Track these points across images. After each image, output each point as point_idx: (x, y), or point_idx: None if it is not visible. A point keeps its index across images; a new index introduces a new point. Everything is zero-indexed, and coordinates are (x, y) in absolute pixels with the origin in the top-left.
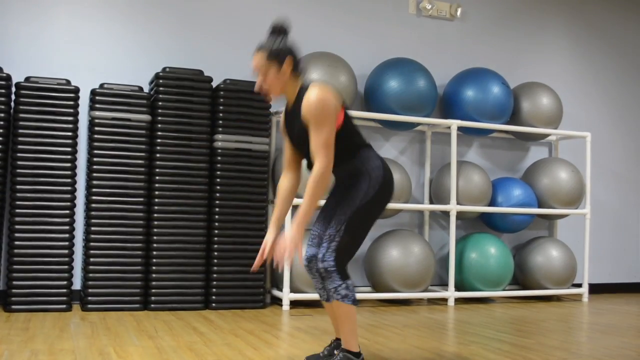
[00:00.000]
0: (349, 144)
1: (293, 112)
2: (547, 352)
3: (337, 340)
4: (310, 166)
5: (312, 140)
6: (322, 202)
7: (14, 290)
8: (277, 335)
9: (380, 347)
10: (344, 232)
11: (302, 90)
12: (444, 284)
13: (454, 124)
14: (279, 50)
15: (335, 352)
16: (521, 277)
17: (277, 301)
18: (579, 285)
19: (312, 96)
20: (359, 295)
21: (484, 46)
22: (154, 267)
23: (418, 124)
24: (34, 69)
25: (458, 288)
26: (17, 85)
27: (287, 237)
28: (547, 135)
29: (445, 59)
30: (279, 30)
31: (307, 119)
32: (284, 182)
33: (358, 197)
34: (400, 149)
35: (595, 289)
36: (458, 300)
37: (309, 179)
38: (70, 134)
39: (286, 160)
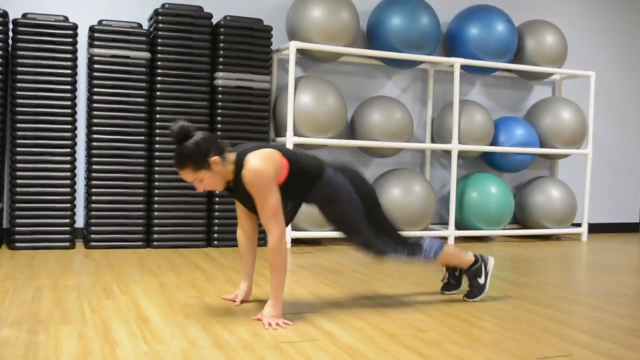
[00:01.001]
0: (304, 183)
1: (236, 187)
2: (545, 290)
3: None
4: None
5: (260, 213)
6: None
7: (17, 229)
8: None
9: (380, 284)
10: (369, 224)
11: (238, 166)
12: (444, 223)
13: (457, 62)
14: (198, 155)
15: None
16: (521, 217)
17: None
18: (579, 225)
19: (248, 172)
20: None
21: None
22: (155, 205)
23: (421, 62)
24: (31, 5)
25: (458, 227)
26: (14, 22)
27: (267, 315)
28: (551, 74)
29: None
30: (184, 136)
31: (250, 193)
32: (242, 235)
33: (346, 198)
34: (403, 87)
35: (595, 228)
36: (458, 239)
37: (268, 253)
38: (69, 71)
39: (238, 214)
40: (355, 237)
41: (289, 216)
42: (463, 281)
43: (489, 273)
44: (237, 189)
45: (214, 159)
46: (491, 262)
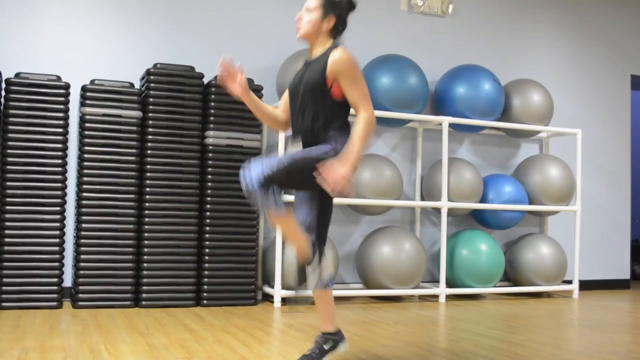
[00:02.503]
0: (342, 115)
1: (312, 64)
2: (537, 349)
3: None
4: (294, 129)
5: (351, 94)
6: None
7: (4, 287)
8: (268, 332)
9: (372, 344)
10: (284, 165)
11: (331, 49)
12: (435, 281)
13: (446, 120)
14: (335, 4)
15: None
16: (512, 274)
17: (269, 298)
18: (570, 282)
19: (343, 54)
20: (350, 292)
21: (475, 43)
22: (145, 264)
23: (409, 121)
24: (24, 65)
25: (449, 284)
26: (7, 81)
27: (340, 172)
28: (538, 132)
29: (436, 56)
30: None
31: (337, 74)
32: (279, 112)
33: (315, 151)
34: (392, 145)
35: (586, 285)
36: (449, 297)
37: (359, 123)
38: (60, 130)
39: (280, 106)
40: (311, 218)
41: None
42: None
43: (333, 352)
44: (311, 66)
45: (334, 18)
46: (343, 347)
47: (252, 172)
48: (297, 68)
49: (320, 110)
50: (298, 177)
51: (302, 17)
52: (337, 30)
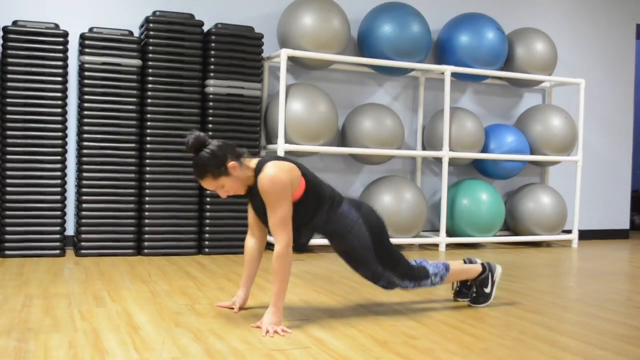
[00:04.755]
0: (316, 208)
1: (253, 193)
2: (536, 297)
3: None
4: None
5: (270, 219)
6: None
7: (7, 236)
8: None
9: (372, 291)
10: (376, 254)
11: (257, 172)
12: (435, 230)
13: (448, 69)
14: (216, 164)
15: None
16: (512, 223)
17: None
18: (569, 232)
19: (264, 178)
20: None
21: None
22: (146, 213)
23: (411, 70)
24: (22, 12)
25: (449, 234)
26: (5, 29)
27: (267, 322)
28: (541, 81)
29: (439, 4)
30: (199, 146)
31: (263, 199)
32: (250, 243)
33: (359, 244)
34: (394, 94)
35: (585, 235)
36: (449, 246)
37: (273, 260)
38: (59, 79)
39: (250, 222)
40: (362, 269)
41: (303, 242)
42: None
43: (495, 282)
44: (254, 194)
45: (232, 164)
46: (498, 271)
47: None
48: (298, 15)
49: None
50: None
51: (222, 193)
52: (239, 160)
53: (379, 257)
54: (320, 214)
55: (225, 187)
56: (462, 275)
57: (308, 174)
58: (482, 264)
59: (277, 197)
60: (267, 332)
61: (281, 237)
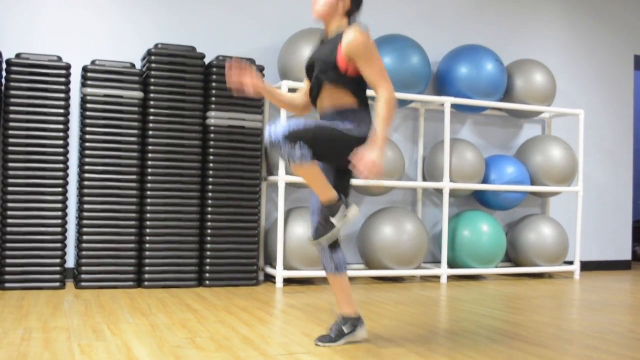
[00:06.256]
0: (361, 93)
1: (328, 43)
2: (538, 329)
3: (342, 319)
4: (313, 101)
5: (368, 73)
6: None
7: (7, 268)
8: (270, 312)
9: (373, 324)
10: (311, 127)
11: (346, 29)
12: (436, 261)
13: (447, 101)
14: None
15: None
16: (513, 255)
17: (270, 278)
18: (571, 263)
19: (357, 34)
20: (351, 273)
21: (477, 23)
22: (147, 245)
23: (411, 101)
24: (25, 45)
25: (450, 265)
26: (8, 61)
27: (370, 158)
28: (540, 112)
29: (438, 36)
30: None
31: (352, 54)
32: (298, 96)
33: (341, 125)
34: (394, 126)
35: (587, 266)
36: (450, 278)
37: (379, 104)
38: (61, 111)
39: (301, 90)
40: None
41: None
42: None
43: (353, 336)
44: (326, 45)
45: (349, 1)
46: (362, 332)
47: (278, 127)
48: (298, 48)
49: (334, 89)
50: (322, 144)
51: None
52: (352, 10)
53: (316, 127)
54: (363, 99)
55: None
56: (344, 291)
57: None
58: (360, 317)
59: (372, 51)
60: (366, 168)
61: (385, 86)
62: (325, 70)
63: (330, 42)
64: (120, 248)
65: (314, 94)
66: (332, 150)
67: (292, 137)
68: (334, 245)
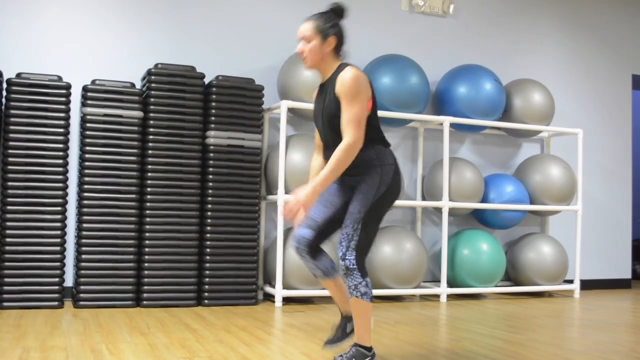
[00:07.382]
0: (371, 133)
1: (325, 88)
2: (538, 348)
3: (344, 318)
4: (326, 147)
5: (344, 115)
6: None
7: (5, 287)
8: (269, 331)
9: (373, 344)
10: (361, 230)
11: (339, 69)
12: (436, 280)
13: (446, 120)
14: (328, 27)
15: (350, 346)
16: (513, 274)
17: (270, 298)
18: (571, 282)
19: (347, 74)
20: None
21: (476, 43)
22: (146, 264)
23: (410, 121)
24: (26, 65)
25: (450, 284)
26: (8, 81)
27: (298, 197)
28: (539, 131)
29: (437, 56)
30: (335, 12)
31: (339, 94)
32: (316, 162)
33: (371, 193)
34: (393, 145)
35: (587, 285)
36: (450, 297)
37: (337, 148)
38: (61, 130)
39: (317, 142)
40: (343, 224)
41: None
42: (347, 339)
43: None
44: (324, 90)
45: (333, 40)
46: None
47: (345, 248)
48: (298, 68)
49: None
50: (378, 220)
51: (303, 49)
52: (339, 50)
53: (363, 219)
54: (377, 138)
55: (310, 46)
56: (366, 321)
57: (375, 101)
58: (372, 348)
59: (356, 93)
60: (288, 205)
61: (352, 133)
62: (330, 120)
63: (328, 87)
64: (119, 267)
65: (330, 145)
66: (387, 207)
67: (360, 262)
68: (315, 255)
